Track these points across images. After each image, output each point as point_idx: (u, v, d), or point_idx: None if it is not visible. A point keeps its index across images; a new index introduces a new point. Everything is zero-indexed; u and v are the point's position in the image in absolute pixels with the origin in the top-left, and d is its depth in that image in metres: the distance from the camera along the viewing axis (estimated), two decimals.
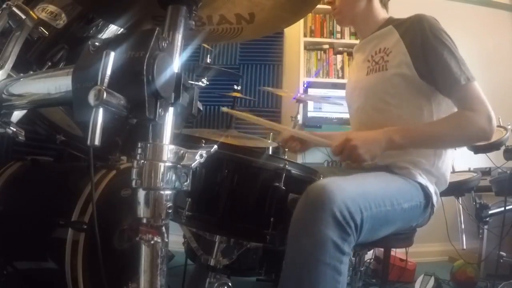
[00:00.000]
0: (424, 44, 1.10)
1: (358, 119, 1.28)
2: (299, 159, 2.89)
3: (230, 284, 1.04)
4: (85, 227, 1.12)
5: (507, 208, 1.82)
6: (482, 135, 1.06)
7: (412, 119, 1.13)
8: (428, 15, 1.14)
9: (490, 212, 1.97)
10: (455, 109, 1.13)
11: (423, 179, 1.10)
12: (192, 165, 0.55)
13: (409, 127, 1.11)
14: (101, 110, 0.44)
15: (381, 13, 1.30)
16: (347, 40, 3.04)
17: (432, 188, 1.12)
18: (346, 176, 0.98)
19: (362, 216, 0.86)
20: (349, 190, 0.87)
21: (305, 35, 3.04)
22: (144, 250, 0.53)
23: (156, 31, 0.51)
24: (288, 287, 0.83)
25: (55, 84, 0.59)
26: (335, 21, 3.06)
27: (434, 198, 1.14)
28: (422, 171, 1.12)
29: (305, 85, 2.91)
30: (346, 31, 3.07)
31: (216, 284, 1.04)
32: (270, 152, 1.98)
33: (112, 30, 1.11)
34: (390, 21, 1.26)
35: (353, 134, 1.04)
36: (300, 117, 2.64)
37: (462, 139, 1.11)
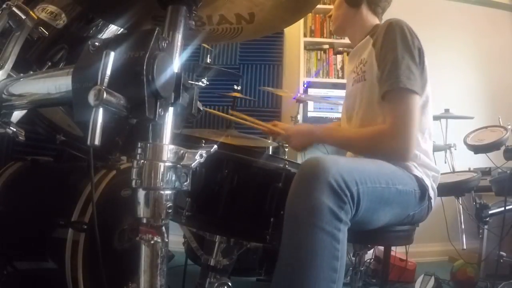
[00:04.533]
0: (381, 50, 1.12)
1: (347, 125, 1.32)
2: (299, 159, 2.89)
3: (230, 284, 1.04)
4: (85, 227, 1.12)
5: (507, 208, 1.82)
6: (394, 157, 1.06)
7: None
8: (397, 20, 1.13)
9: (490, 212, 1.97)
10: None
11: (418, 172, 1.11)
12: (192, 165, 0.55)
13: (335, 129, 1.32)
14: (101, 110, 0.44)
15: (370, 21, 1.31)
16: (347, 40, 2.99)
17: (428, 182, 1.12)
18: (340, 156, 1.01)
19: (358, 188, 0.87)
20: (344, 164, 0.89)
21: (305, 35, 3.04)
22: (144, 250, 0.53)
23: (156, 31, 0.51)
24: (287, 255, 0.83)
25: (55, 84, 0.59)
26: None
27: (431, 193, 1.14)
28: (417, 164, 1.12)
29: (305, 85, 2.91)
30: None
31: (216, 284, 1.04)
32: (270, 152, 1.98)
33: (112, 30, 1.11)
34: (373, 30, 1.27)
35: (291, 129, 1.29)
36: (300, 117, 2.64)
37: (374, 154, 1.07)
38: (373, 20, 1.31)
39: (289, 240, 0.83)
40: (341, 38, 3.05)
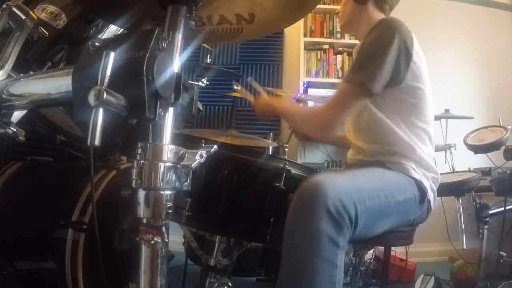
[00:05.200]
0: (362, 44, 1.15)
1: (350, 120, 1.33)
2: (299, 159, 2.89)
3: (230, 284, 1.04)
4: (85, 227, 1.12)
5: (507, 208, 1.82)
6: (314, 133, 1.25)
7: (387, 119, 1.14)
8: (389, 18, 1.14)
9: (490, 212, 1.97)
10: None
11: (417, 174, 1.11)
12: (192, 165, 0.55)
13: (291, 105, 1.45)
14: (101, 110, 0.44)
15: (375, 18, 1.27)
16: (347, 40, 3.04)
17: (427, 184, 1.12)
18: (339, 172, 1.03)
19: (356, 209, 0.87)
20: (342, 185, 0.89)
21: (305, 35, 3.04)
22: (144, 250, 0.53)
23: (156, 31, 0.51)
24: (286, 282, 0.84)
25: (55, 84, 0.59)
26: (335, 21, 3.07)
27: (430, 194, 1.14)
28: (414, 164, 1.12)
29: (305, 85, 2.91)
30: None
31: (216, 284, 1.04)
32: (270, 152, 1.98)
33: (112, 30, 1.11)
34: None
35: (261, 99, 1.37)
36: None
37: (305, 129, 1.29)
38: (379, 17, 1.28)
39: (289, 266, 0.85)
40: (341, 38, 3.05)
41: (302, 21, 2.98)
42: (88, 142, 0.44)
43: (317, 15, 3.08)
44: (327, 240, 0.82)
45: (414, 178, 1.10)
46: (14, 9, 0.78)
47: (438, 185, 1.20)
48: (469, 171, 2.21)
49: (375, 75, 1.04)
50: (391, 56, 1.05)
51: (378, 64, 1.05)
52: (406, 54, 1.08)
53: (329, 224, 0.82)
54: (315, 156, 2.95)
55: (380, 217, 0.98)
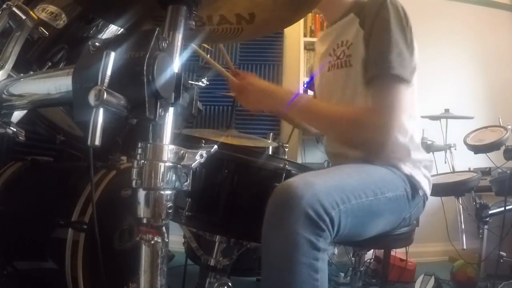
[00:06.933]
0: (372, 30, 1.00)
1: None
2: (299, 159, 2.90)
3: (230, 284, 1.04)
4: (85, 227, 1.12)
5: (507, 208, 1.82)
6: (372, 146, 1.00)
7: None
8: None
9: (490, 212, 1.97)
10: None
11: (407, 168, 1.04)
12: (192, 165, 0.55)
13: (313, 101, 1.13)
14: (101, 110, 0.44)
15: None
16: None
17: (420, 176, 1.06)
18: (319, 171, 0.93)
19: (340, 209, 0.81)
20: (321, 184, 0.82)
21: (305, 35, 3.04)
22: (144, 250, 0.53)
23: (156, 31, 0.51)
24: (267, 286, 0.80)
25: (55, 84, 0.59)
26: None
27: (425, 184, 1.07)
28: (405, 160, 1.06)
29: (305, 85, 2.91)
30: None
31: (216, 284, 1.04)
32: (270, 152, 1.98)
33: (112, 30, 1.11)
34: (355, 6, 1.11)
35: (256, 81, 1.06)
36: None
37: (351, 140, 1.02)
38: None
39: (268, 273, 0.80)
40: None
41: (302, 21, 2.98)
42: (88, 142, 0.44)
43: (317, 15, 3.08)
44: (305, 244, 0.75)
45: (405, 174, 1.03)
46: (14, 9, 0.78)
47: (432, 169, 1.13)
48: (469, 171, 2.21)
49: (408, 63, 0.97)
50: (411, 37, 1.00)
51: (408, 49, 0.98)
52: (411, 39, 1.00)
53: (307, 226, 0.76)
54: (315, 156, 2.96)
55: (370, 216, 0.92)
